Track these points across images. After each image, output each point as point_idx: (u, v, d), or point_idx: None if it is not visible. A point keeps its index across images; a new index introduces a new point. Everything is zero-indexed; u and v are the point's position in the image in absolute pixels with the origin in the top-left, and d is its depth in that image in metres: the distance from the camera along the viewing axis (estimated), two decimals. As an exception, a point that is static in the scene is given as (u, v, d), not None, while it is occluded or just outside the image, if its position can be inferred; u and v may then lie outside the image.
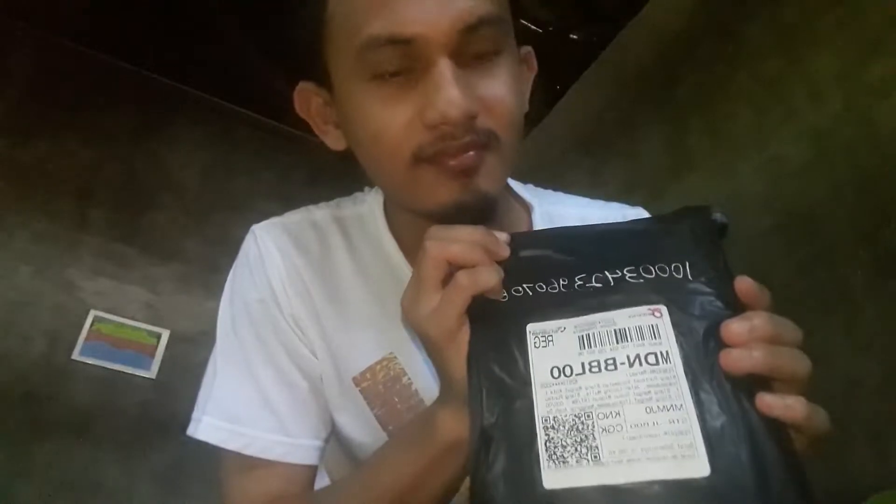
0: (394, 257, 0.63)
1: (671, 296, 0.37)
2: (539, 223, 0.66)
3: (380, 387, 0.61)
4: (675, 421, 0.33)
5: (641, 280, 0.38)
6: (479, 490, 0.36)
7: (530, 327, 0.38)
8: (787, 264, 1.63)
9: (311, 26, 0.53)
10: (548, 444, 0.35)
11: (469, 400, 0.39)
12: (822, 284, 1.53)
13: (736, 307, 0.37)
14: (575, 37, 2.64)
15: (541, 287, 0.40)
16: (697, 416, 0.33)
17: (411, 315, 0.44)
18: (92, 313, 2.72)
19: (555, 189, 0.75)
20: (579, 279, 0.40)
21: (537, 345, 0.38)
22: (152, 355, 2.77)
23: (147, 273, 2.90)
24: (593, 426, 0.34)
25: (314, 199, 0.70)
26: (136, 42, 3.00)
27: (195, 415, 0.61)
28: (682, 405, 0.33)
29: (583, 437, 0.34)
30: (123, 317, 2.78)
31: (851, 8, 1.65)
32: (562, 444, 0.34)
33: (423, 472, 0.48)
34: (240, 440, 0.58)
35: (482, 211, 0.52)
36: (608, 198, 0.75)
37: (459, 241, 0.43)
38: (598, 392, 0.35)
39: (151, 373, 2.74)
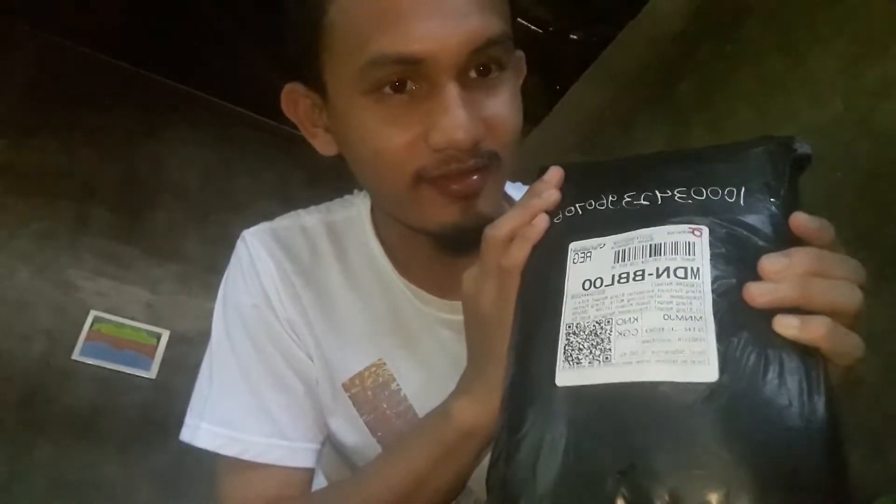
0: (381, 263, 0.63)
1: (717, 218, 0.36)
2: None
3: (368, 393, 0.61)
4: (691, 329, 0.33)
5: (690, 200, 0.38)
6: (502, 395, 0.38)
7: (573, 245, 0.39)
8: (787, 264, 1.63)
9: (307, 30, 0.52)
10: (567, 347, 0.36)
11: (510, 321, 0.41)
12: (822, 284, 1.53)
13: (788, 241, 0.35)
14: (575, 37, 2.63)
15: (590, 205, 0.41)
16: (715, 329, 0.32)
17: (475, 302, 0.44)
18: (92, 313, 2.72)
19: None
20: (629, 196, 0.40)
21: (576, 261, 0.39)
22: (152, 355, 2.77)
23: (147, 273, 2.90)
24: (610, 330, 0.35)
25: (314, 200, 0.70)
26: (137, 42, 3.00)
27: (189, 420, 0.61)
28: (701, 317, 0.33)
29: (599, 340, 0.35)
30: (123, 317, 2.78)
31: (851, 8, 1.65)
32: (578, 348, 0.35)
33: (436, 459, 0.48)
34: (237, 446, 0.59)
35: (481, 230, 0.52)
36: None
37: (514, 216, 0.43)
38: (622, 300, 0.35)
39: (151, 373, 2.74)
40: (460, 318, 0.56)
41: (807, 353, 0.32)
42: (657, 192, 0.39)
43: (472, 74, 0.49)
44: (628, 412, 0.32)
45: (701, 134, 2.09)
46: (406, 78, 0.48)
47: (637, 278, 0.36)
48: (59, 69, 2.96)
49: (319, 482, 0.74)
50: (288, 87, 0.58)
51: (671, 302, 0.34)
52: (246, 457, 0.58)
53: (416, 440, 0.51)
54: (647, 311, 0.34)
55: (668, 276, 0.35)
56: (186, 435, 0.60)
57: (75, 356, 2.64)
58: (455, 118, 0.47)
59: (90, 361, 2.66)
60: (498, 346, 0.41)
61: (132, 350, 2.75)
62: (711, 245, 0.35)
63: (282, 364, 0.61)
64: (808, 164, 0.39)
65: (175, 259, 2.97)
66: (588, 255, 0.38)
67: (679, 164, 0.41)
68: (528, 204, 0.43)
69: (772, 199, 0.37)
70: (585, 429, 0.33)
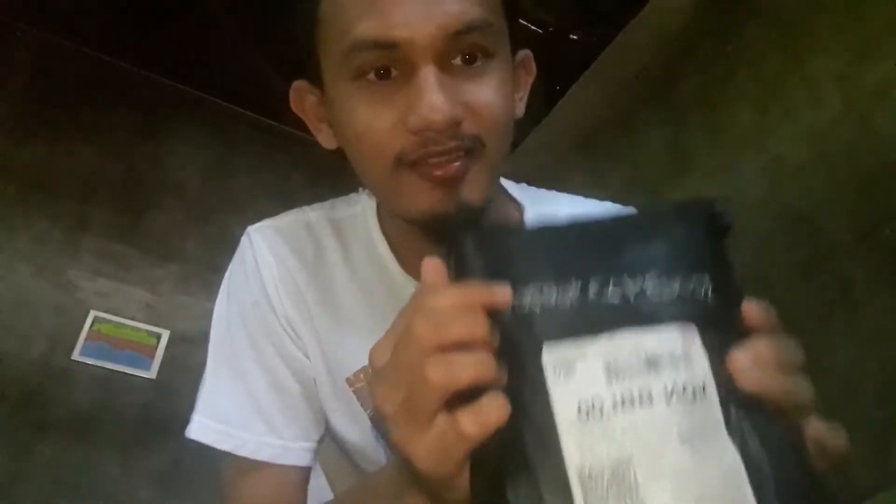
0: (385, 259, 0.64)
1: (698, 314, 0.33)
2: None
3: None
4: (723, 466, 0.30)
5: (664, 294, 0.34)
6: None
7: (546, 354, 0.32)
8: (788, 264, 1.63)
9: (304, 25, 0.53)
10: (587, 500, 0.30)
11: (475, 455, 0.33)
12: (822, 284, 1.53)
13: (739, 322, 0.34)
14: (575, 37, 2.63)
15: (549, 292, 0.34)
16: (742, 459, 0.30)
17: (405, 450, 0.34)
18: (92, 314, 2.72)
19: (552, 189, 0.75)
20: (594, 285, 0.34)
21: (557, 374, 0.32)
22: (152, 356, 2.77)
23: (147, 273, 2.90)
24: (635, 475, 0.30)
25: (315, 199, 0.70)
26: (137, 42, 3.00)
27: (193, 414, 0.62)
28: (725, 446, 0.30)
29: (626, 488, 0.30)
30: (123, 317, 2.78)
31: (851, 8, 1.65)
32: (602, 497, 0.30)
33: None
34: (231, 441, 0.59)
35: (468, 219, 0.52)
36: (608, 198, 0.75)
37: (447, 322, 0.33)
38: (636, 433, 0.30)
39: (151, 373, 2.74)
40: None
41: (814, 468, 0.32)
42: (626, 278, 0.34)
43: (457, 62, 0.49)
44: None
45: (701, 134, 2.09)
46: (389, 65, 0.49)
47: (644, 404, 0.31)
48: (59, 69, 2.96)
49: (321, 483, 0.74)
50: (294, 84, 0.59)
51: (692, 435, 0.31)
52: (240, 453, 0.59)
53: None
54: (670, 451, 0.30)
55: (678, 397, 0.31)
56: (189, 428, 0.61)
57: (75, 356, 2.64)
58: (431, 100, 0.47)
59: (90, 361, 2.66)
60: (450, 499, 0.35)
61: (132, 350, 2.74)
62: (705, 346, 0.32)
63: (278, 362, 0.62)
64: (730, 232, 0.37)
65: (175, 259, 2.97)
66: (571, 368, 0.32)
67: (627, 242, 0.36)
68: (468, 305, 0.33)
69: (731, 283, 0.35)
70: None
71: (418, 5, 0.47)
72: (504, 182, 0.68)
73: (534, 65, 0.61)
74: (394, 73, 0.49)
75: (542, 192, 0.73)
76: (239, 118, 3.29)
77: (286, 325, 0.62)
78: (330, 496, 0.72)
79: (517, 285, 0.34)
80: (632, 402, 0.31)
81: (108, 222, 2.89)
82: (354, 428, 0.63)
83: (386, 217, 0.65)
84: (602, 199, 0.74)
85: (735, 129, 1.95)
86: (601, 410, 0.31)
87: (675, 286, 0.34)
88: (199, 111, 3.23)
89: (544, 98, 2.80)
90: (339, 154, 0.58)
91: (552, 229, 0.37)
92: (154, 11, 2.78)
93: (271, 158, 3.31)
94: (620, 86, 2.55)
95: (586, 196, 0.74)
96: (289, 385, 0.62)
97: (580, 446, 0.30)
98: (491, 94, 0.51)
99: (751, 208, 1.77)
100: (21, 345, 2.57)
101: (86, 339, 2.67)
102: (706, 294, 0.34)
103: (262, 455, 0.59)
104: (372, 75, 0.49)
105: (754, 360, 0.32)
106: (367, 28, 0.48)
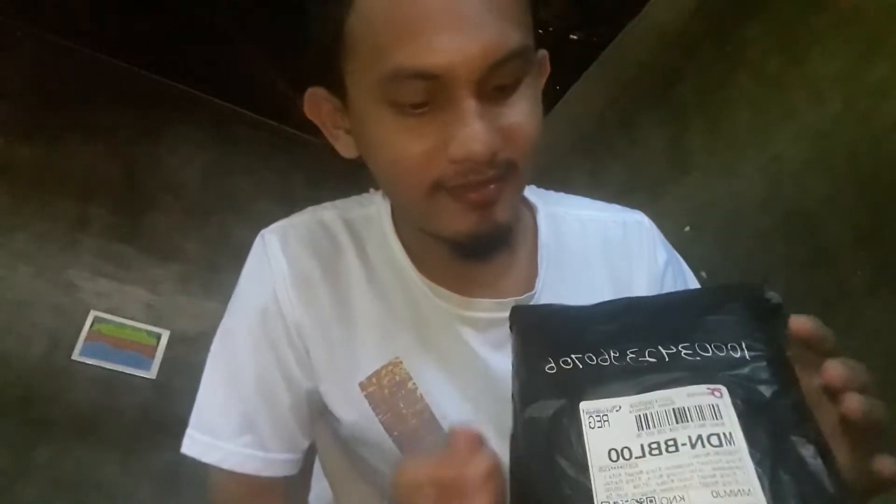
0: (401, 261, 0.63)
1: (730, 376, 0.35)
2: (543, 225, 0.67)
3: (385, 392, 0.60)
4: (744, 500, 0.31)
5: (698, 358, 0.37)
6: None
7: (584, 406, 0.36)
8: (787, 264, 1.63)
9: (328, 36, 0.52)
10: None
11: (514, 483, 0.37)
12: (822, 284, 1.52)
13: (791, 387, 0.36)
14: (575, 37, 2.63)
15: (591, 359, 0.38)
16: (765, 494, 0.31)
17: None
18: (92, 314, 2.72)
19: (554, 190, 0.76)
20: (631, 352, 0.38)
21: (592, 425, 0.36)
22: (152, 356, 2.77)
23: (147, 273, 2.90)
24: None
25: (315, 200, 0.70)
26: (136, 42, 2.99)
27: (188, 430, 0.63)
28: (749, 490, 0.31)
29: None
30: (123, 317, 2.78)
31: (851, 8, 1.65)
32: None
33: None
34: (216, 454, 0.60)
35: (498, 237, 0.54)
36: (608, 198, 0.75)
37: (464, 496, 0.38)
38: (661, 476, 0.33)
39: (151, 373, 2.74)
40: (480, 315, 0.59)
41: (862, 440, 0.34)
42: (661, 347, 0.38)
43: (493, 89, 0.49)
44: None
45: (701, 134, 2.09)
46: (427, 99, 0.48)
47: (670, 450, 0.33)
48: (59, 69, 2.95)
49: (322, 488, 0.74)
50: (310, 90, 0.59)
51: (714, 476, 0.32)
52: (224, 466, 0.60)
53: None
54: (692, 489, 0.32)
55: (704, 445, 0.33)
56: (183, 443, 0.62)
57: (75, 356, 2.64)
58: (473, 131, 0.47)
59: (90, 361, 2.66)
60: None
61: (132, 350, 2.74)
62: (734, 405, 0.34)
63: (274, 371, 0.61)
64: (782, 310, 0.40)
65: (175, 259, 2.97)
66: (605, 418, 0.36)
67: (670, 316, 0.40)
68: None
69: (770, 350, 0.37)
70: None
71: (459, 33, 0.46)
72: None
73: (548, 63, 0.61)
74: (431, 102, 0.48)
75: (551, 193, 0.73)
76: (239, 118, 3.29)
77: (294, 333, 0.61)
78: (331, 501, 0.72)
79: (564, 351, 0.39)
80: (658, 449, 0.34)
81: (107, 222, 2.89)
82: (367, 431, 0.62)
83: (401, 220, 0.65)
84: (609, 202, 0.74)
85: (735, 129, 1.95)
86: (630, 456, 0.34)
87: (710, 350, 0.37)
88: (199, 111, 3.23)
89: (544, 98, 2.80)
90: (358, 162, 0.58)
91: (602, 305, 0.43)
92: (154, 11, 2.78)
93: (271, 158, 3.31)
94: (620, 86, 2.55)
95: (592, 197, 0.75)
96: (280, 396, 0.62)
97: (607, 486, 0.33)
98: (525, 116, 0.51)
99: (751, 208, 1.77)
100: (21, 345, 2.57)
101: (86, 339, 2.67)
102: (742, 358, 0.36)
103: (247, 468, 0.60)
104: (409, 106, 0.49)
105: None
106: (406, 56, 0.46)
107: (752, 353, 0.36)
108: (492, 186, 0.50)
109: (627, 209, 0.73)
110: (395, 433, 0.61)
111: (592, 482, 0.34)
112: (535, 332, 0.42)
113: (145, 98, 3.12)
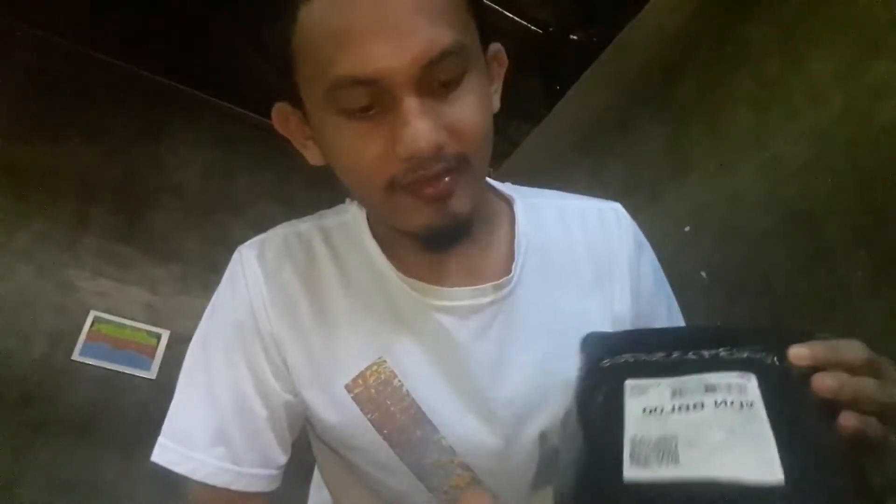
0: (379, 262, 0.64)
1: (762, 370, 0.40)
2: (521, 214, 0.69)
3: (372, 391, 0.62)
4: (755, 442, 0.36)
5: (734, 356, 0.42)
6: (560, 488, 0.40)
7: (628, 382, 0.42)
8: (787, 264, 1.63)
9: (279, 54, 0.54)
10: (633, 452, 0.37)
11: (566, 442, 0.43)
12: (822, 284, 1.52)
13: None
14: (575, 37, 2.64)
15: (641, 357, 0.45)
16: (776, 442, 0.35)
17: None
18: (92, 314, 2.72)
19: (550, 189, 0.77)
20: (677, 353, 0.44)
21: (632, 394, 0.42)
22: (152, 356, 2.77)
23: (147, 273, 2.90)
24: (676, 444, 0.37)
25: (314, 200, 0.71)
26: (136, 42, 2.99)
27: (159, 438, 0.64)
28: (763, 434, 0.36)
29: (666, 449, 0.37)
30: (123, 317, 2.78)
31: (851, 8, 1.65)
32: (644, 454, 0.37)
33: None
34: (188, 464, 0.61)
35: (459, 227, 0.57)
36: (608, 198, 0.75)
37: None
38: (684, 423, 0.38)
39: (151, 373, 2.74)
40: (458, 303, 0.61)
41: (859, 453, 0.37)
42: (703, 351, 0.43)
43: (436, 86, 0.51)
44: None
45: (701, 134, 2.09)
46: (372, 103, 0.51)
47: (696, 409, 0.38)
48: (59, 69, 2.95)
49: (324, 496, 0.74)
50: (277, 105, 0.61)
51: (733, 425, 0.37)
52: (196, 477, 0.61)
53: None
54: (710, 430, 0.37)
55: (726, 406, 0.38)
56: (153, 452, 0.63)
57: (75, 356, 2.64)
58: (415, 129, 0.49)
59: (90, 361, 2.66)
60: None
61: (132, 350, 2.75)
62: (760, 388, 0.39)
63: (250, 387, 0.62)
64: None
65: (175, 259, 2.97)
66: (644, 390, 0.41)
67: (711, 338, 0.45)
68: None
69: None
70: None
71: (392, 38, 0.48)
72: (489, 181, 0.69)
73: (505, 56, 0.62)
74: (376, 106, 0.51)
75: (527, 188, 0.75)
76: (239, 118, 3.29)
77: (271, 346, 0.62)
78: None
79: (619, 352, 0.45)
80: (686, 409, 0.39)
81: (107, 222, 2.89)
82: (356, 433, 0.62)
83: (376, 222, 0.66)
84: (608, 199, 0.75)
85: (735, 129, 1.95)
86: (661, 412, 0.39)
87: (746, 353, 0.42)
88: (199, 111, 3.23)
89: (544, 98, 2.81)
90: (328, 169, 0.60)
91: (654, 329, 0.54)
92: (154, 11, 2.78)
93: (271, 158, 3.31)
94: (620, 86, 2.55)
95: (591, 197, 0.76)
96: (256, 410, 0.62)
97: (637, 426, 0.39)
98: (470, 111, 0.53)
99: (751, 208, 1.77)
100: (21, 345, 2.57)
101: (86, 339, 2.68)
102: (773, 361, 0.41)
103: (218, 480, 0.61)
104: (357, 110, 0.51)
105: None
106: (344, 66, 0.49)
107: (787, 364, 0.41)
108: (446, 179, 0.53)
109: (602, 199, 0.75)
110: (385, 430, 0.62)
111: (626, 423, 0.39)
112: (598, 346, 0.48)
113: (145, 98, 3.12)
